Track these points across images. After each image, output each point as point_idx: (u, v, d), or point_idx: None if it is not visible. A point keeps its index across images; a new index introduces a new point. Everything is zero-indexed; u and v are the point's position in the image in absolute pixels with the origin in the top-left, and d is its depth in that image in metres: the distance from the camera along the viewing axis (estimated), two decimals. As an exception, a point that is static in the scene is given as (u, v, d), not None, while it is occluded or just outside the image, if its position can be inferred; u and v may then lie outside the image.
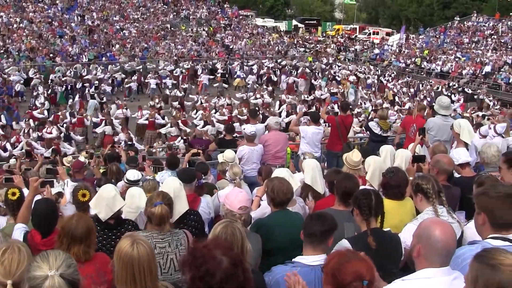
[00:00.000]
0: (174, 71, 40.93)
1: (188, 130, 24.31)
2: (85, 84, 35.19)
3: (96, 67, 39.21)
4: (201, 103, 30.31)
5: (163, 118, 26.65)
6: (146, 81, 38.11)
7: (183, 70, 41.36)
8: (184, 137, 22.71)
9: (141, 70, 40.35)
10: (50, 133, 23.15)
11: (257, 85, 38.89)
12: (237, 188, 6.60)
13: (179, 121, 25.45)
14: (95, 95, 32.64)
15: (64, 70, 38.16)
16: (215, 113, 27.38)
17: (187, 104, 31.45)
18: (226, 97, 32.07)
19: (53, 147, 20.81)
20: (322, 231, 4.49)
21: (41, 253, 3.35)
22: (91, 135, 26.95)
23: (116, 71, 39.43)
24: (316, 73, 44.23)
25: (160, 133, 25.93)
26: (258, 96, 31.97)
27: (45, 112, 27.83)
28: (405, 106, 32.64)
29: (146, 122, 26.12)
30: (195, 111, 28.49)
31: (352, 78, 42.66)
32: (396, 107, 32.13)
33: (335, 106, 27.44)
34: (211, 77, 40.55)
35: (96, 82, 35.12)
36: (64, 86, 34.76)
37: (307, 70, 43.94)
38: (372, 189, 5.41)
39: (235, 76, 42.70)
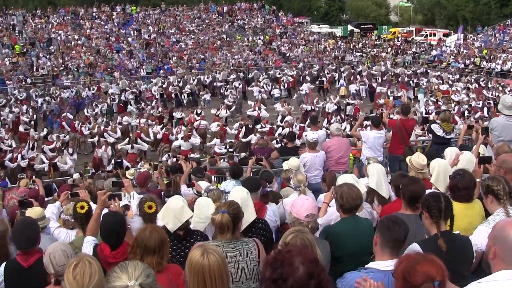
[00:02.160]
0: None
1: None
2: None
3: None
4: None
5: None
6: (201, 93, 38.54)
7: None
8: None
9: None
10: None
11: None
12: (303, 196, 6.58)
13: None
14: (132, 101, 33.81)
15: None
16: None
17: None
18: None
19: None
20: (405, 236, 4.48)
21: (120, 263, 3.43)
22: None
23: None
24: (376, 78, 43.81)
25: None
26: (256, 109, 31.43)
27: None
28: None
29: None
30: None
31: (444, 87, 40.65)
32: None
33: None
34: (312, 86, 40.62)
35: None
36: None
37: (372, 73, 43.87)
38: (441, 192, 5.34)
39: (340, 85, 42.40)
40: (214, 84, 41.77)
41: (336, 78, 44.60)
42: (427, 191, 6.03)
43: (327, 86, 42.73)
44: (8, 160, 22.47)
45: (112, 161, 22.63)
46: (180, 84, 39.93)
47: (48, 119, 31.19)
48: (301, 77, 43.35)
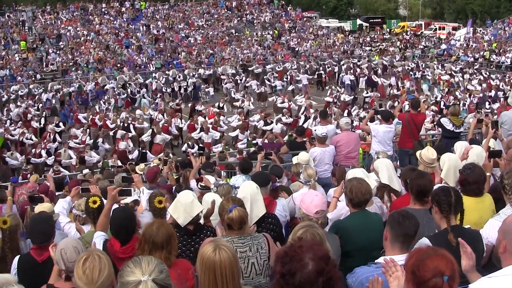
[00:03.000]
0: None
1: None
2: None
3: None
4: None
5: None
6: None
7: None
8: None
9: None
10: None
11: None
12: (313, 191, 6.55)
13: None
14: (145, 94, 33.91)
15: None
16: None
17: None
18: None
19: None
20: (416, 230, 4.48)
21: (134, 258, 3.43)
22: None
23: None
24: (376, 70, 44.00)
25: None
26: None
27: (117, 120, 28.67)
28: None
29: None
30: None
31: (446, 77, 41.09)
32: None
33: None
34: (310, 77, 41.22)
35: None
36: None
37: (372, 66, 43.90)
38: (452, 188, 5.33)
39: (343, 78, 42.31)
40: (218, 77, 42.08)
41: (335, 71, 44.68)
42: (437, 185, 6.03)
43: (325, 80, 43.11)
44: (32, 156, 22.66)
45: (135, 152, 22.90)
46: (181, 78, 40.24)
47: (61, 113, 31.08)
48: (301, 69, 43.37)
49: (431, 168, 7.49)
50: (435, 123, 20.03)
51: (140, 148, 23.37)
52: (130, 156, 22.25)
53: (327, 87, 39.42)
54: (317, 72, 43.29)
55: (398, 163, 12.13)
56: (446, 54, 54.38)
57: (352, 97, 33.42)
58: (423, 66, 46.25)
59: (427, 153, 7.66)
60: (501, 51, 49.45)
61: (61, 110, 31.80)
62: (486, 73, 41.72)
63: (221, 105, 30.94)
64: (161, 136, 24.64)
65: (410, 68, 44.92)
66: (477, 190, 5.85)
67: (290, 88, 39.38)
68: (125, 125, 26.05)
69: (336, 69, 44.86)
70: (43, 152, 22.80)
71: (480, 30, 62.29)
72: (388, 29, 77.67)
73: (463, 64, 46.79)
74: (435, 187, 5.81)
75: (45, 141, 24.08)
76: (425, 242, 4.67)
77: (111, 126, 27.03)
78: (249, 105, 31.42)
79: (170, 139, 25.56)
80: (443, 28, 73.42)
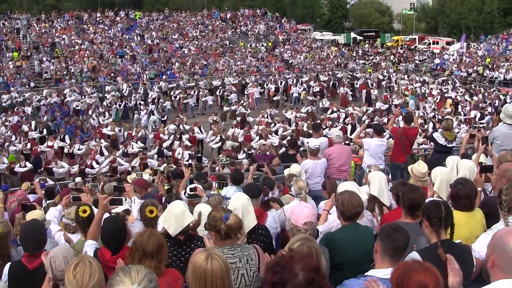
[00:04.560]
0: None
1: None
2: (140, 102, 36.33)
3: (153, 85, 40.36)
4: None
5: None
6: (203, 99, 38.41)
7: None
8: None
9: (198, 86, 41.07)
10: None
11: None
12: (303, 203, 6.57)
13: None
14: (155, 111, 33.20)
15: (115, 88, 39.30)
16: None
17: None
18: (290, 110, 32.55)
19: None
20: (406, 244, 4.49)
21: (123, 267, 3.44)
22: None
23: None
24: (372, 84, 44.07)
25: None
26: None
27: (116, 129, 28.75)
28: (471, 114, 32.43)
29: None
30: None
31: (410, 87, 42.07)
32: (461, 117, 31.62)
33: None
34: (261, 90, 41.13)
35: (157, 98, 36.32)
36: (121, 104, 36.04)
37: (368, 81, 43.81)
38: (441, 200, 5.34)
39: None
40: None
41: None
42: (428, 199, 6.05)
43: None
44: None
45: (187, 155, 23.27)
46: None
47: (66, 129, 30.28)
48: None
49: (422, 182, 7.52)
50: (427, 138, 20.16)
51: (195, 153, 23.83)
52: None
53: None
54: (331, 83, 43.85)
55: (390, 177, 12.16)
56: (440, 69, 54.60)
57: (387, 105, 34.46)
58: (396, 78, 47.18)
59: (418, 167, 7.70)
60: (494, 66, 49.61)
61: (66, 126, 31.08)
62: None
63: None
64: (230, 142, 25.67)
65: (381, 79, 46.23)
66: (468, 205, 5.86)
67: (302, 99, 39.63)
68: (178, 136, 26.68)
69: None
70: (94, 163, 23.23)
71: (474, 45, 62.59)
72: (382, 43, 78.02)
73: (455, 80, 47.02)
74: (426, 201, 5.82)
75: (93, 152, 24.45)
76: (414, 257, 4.67)
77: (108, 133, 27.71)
78: (291, 113, 31.98)
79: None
80: (437, 43, 73.90)
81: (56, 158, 23.86)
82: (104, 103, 35.46)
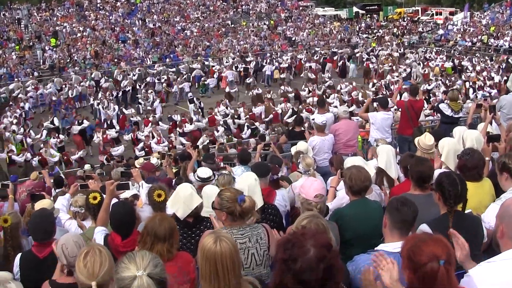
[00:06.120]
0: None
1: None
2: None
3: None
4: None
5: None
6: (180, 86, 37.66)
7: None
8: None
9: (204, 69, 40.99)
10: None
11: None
12: (312, 178, 6.57)
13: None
14: (194, 98, 32.42)
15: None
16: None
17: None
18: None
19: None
20: (414, 217, 4.46)
21: (128, 254, 3.43)
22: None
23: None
24: (345, 58, 44.55)
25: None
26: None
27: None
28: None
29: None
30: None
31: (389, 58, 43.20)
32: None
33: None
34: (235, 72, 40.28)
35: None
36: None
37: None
38: (456, 174, 5.23)
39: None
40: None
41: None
42: (437, 171, 6.03)
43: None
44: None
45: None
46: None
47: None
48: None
49: (429, 154, 7.48)
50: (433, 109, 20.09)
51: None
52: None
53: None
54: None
55: (397, 150, 12.13)
56: (444, 39, 54.26)
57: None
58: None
59: (425, 139, 7.66)
60: (499, 34, 49.27)
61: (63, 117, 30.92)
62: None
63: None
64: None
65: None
66: (476, 175, 5.85)
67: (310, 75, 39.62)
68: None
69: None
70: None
71: (478, 14, 62.05)
72: (384, 16, 77.48)
73: (460, 50, 46.86)
74: (438, 172, 5.80)
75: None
76: (424, 229, 4.66)
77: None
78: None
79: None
80: (440, 13, 73.22)
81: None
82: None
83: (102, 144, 24.30)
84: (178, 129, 25.62)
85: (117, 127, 26.99)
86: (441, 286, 3.25)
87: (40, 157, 22.83)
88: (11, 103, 32.85)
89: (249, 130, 24.86)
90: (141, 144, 24.22)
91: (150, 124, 26.07)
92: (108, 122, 27.20)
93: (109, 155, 22.67)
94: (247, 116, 26.75)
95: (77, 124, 26.97)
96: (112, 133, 25.80)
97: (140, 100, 33.26)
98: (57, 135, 25.84)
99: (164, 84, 37.52)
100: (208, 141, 21.87)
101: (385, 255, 3.88)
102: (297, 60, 44.08)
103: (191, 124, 25.81)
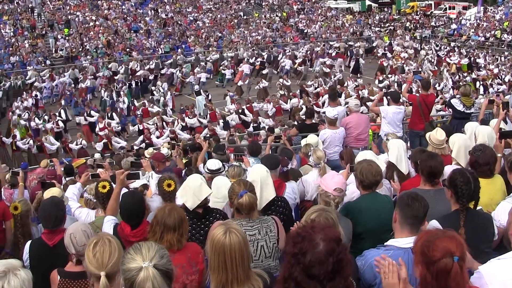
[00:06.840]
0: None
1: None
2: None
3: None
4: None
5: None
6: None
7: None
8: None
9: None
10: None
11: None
12: (334, 172, 6.57)
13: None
14: (201, 91, 32.15)
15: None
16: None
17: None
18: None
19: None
20: (425, 212, 4.44)
21: (134, 245, 3.43)
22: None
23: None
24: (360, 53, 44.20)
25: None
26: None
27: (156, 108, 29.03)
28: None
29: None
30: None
31: (404, 54, 42.79)
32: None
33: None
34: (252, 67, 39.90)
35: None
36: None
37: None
38: (470, 172, 5.19)
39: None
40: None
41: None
42: (448, 167, 6.00)
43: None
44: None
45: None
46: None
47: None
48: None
49: (440, 149, 7.46)
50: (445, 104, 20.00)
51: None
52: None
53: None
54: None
55: (408, 144, 12.08)
56: (457, 34, 53.95)
57: None
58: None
59: (436, 134, 7.63)
60: (512, 30, 48.98)
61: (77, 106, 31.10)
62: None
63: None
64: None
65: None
66: (488, 172, 5.82)
67: (317, 68, 39.70)
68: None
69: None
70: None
71: (491, 9, 61.62)
72: (397, 9, 77.09)
73: (473, 45, 46.61)
74: (450, 168, 5.77)
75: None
76: (434, 224, 4.64)
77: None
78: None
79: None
80: (453, 8, 72.71)
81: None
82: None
83: (108, 136, 24.26)
84: (179, 121, 25.71)
85: (117, 119, 26.99)
86: (454, 283, 3.25)
87: (39, 143, 23.08)
88: (23, 92, 32.90)
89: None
90: (140, 138, 24.24)
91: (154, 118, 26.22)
92: (109, 115, 27.12)
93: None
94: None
95: (87, 115, 27.01)
96: (114, 124, 25.98)
97: (154, 92, 33.14)
98: (57, 120, 26.04)
99: (180, 74, 37.45)
100: (209, 135, 21.85)
101: (387, 258, 3.87)
102: (313, 52, 43.75)
103: (193, 118, 25.86)
